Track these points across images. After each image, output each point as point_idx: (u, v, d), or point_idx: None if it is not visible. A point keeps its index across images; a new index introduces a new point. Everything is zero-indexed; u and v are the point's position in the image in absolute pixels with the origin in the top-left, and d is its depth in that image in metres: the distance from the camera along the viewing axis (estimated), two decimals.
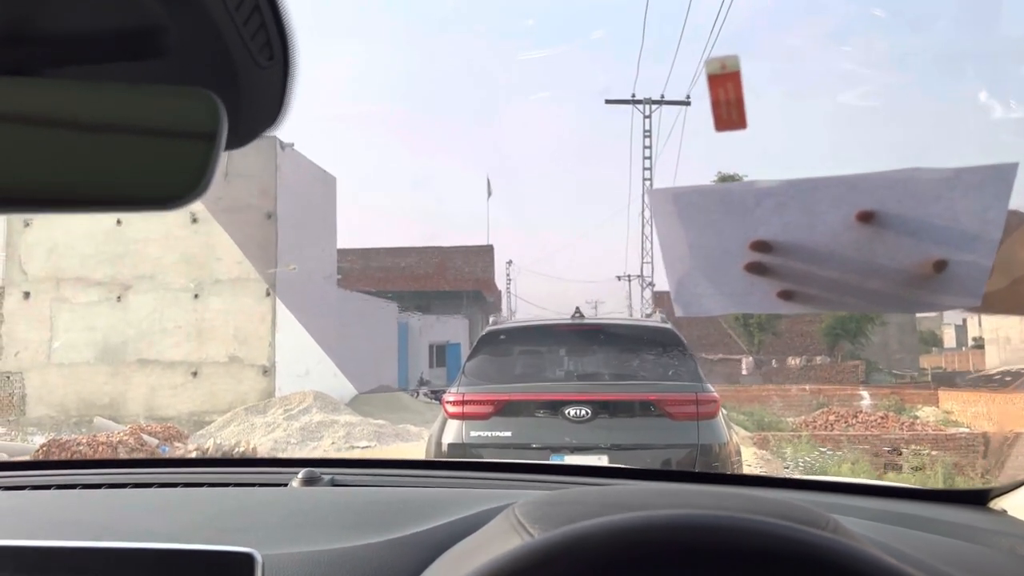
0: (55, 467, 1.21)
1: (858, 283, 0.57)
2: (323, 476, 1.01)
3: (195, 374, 13.58)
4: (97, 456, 8.71)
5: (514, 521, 0.61)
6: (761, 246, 0.57)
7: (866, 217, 0.55)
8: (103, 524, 0.82)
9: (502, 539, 0.59)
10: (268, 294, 13.71)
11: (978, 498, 0.96)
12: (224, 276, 13.79)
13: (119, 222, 13.90)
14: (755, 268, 0.58)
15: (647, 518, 0.43)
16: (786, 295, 0.59)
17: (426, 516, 0.78)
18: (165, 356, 13.65)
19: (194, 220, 13.84)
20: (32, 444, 10.09)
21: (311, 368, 14.12)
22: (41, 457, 8.40)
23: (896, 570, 0.40)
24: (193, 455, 8.82)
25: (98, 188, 0.43)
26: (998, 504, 0.93)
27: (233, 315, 13.70)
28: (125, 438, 9.84)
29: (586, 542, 0.43)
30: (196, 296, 13.79)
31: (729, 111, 0.55)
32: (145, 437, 10.07)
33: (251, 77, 0.46)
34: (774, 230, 0.56)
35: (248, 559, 0.59)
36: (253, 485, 1.03)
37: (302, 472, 1.01)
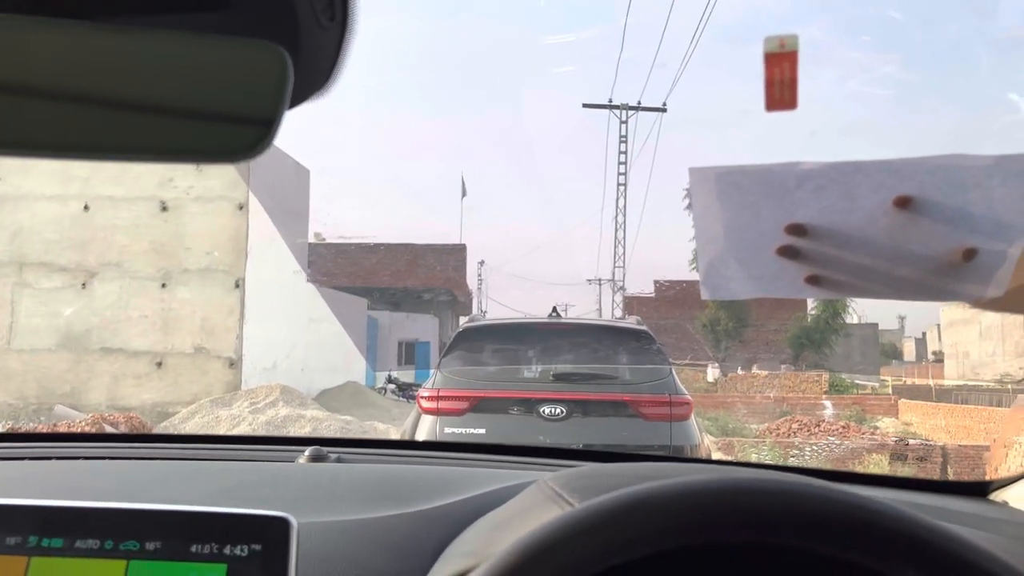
0: (48, 439, 1.19)
1: (887, 270, 0.58)
2: (329, 454, 1.01)
3: (160, 364, 13.34)
4: None
5: (550, 493, 0.61)
6: (796, 229, 0.58)
7: (903, 202, 0.55)
8: (119, 492, 0.81)
9: (540, 509, 0.60)
10: (237, 286, 13.53)
11: (979, 489, 0.99)
12: (193, 266, 13.57)
13: (86, 207, 13.62)
14: (787, 252, 0.58)
15: (709, 481, 0.43)
16: (814, 280, 0.60)
17: (443, 492, 0.78)
18: (130, 345, 13.39)
19: (164, 208, 13.61)
20: None
21: (278, 362, 13.95)
22: None
23: (968, 543, 0.41)
24: None
25: (164, 138, 0.43)
26: (999, 496, 0.96)
27: (201, 306, 13.48)
28: (86, 427, 9.64)
29: (647, 503, 0.43)
30: (163, 285, 13.55)
31: (782, 90, 0.55)
32: (107, 427, 9.88)
33: (312, 37, 0.46)
34: (811, 213, 0.57)
35: (283, 523, 0.59)
36: (259, 461, 1.02)
37: (308, 450, 1.01)
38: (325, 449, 1.02)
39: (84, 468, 0.95)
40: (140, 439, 1.37)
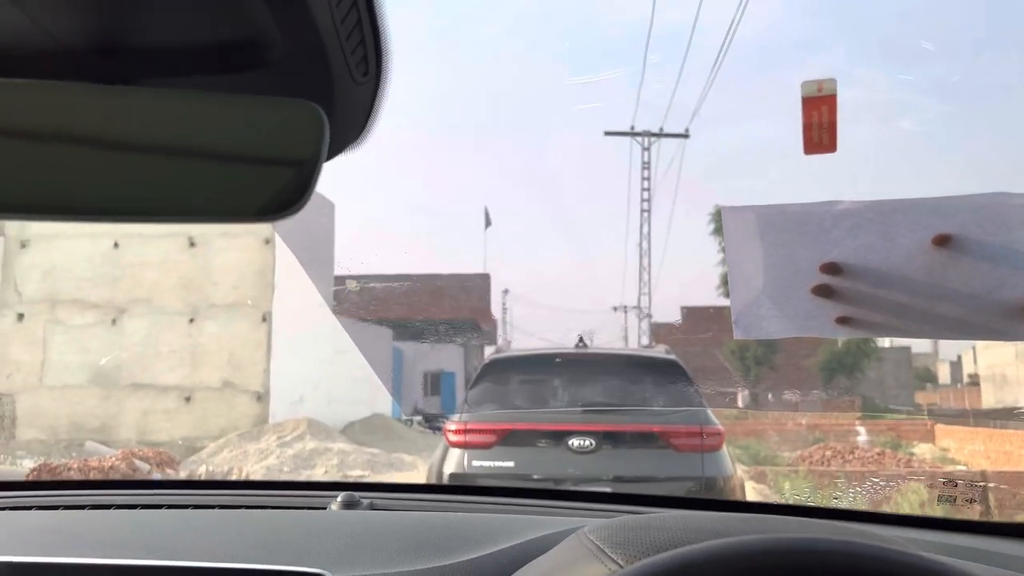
0: (79, 487, 1.19)
1: (925, 308, 0.57)
2: (362, 500, 1.00)
3: (188, 399, 13.46)
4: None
5: (591, 546, 0.59)
6: (832, 268, 0.57)
7: (942, 241, 0.54)
8: (157, 544, 0.80)
9: (581, 563, 0.58)
10: (264, 320, 13.66)
11: None
12: (220, 301, 13.74)
13: (116, 245, 13.89)
14: (822, 291, 0.58)
15: (765, 542, 0.41)
16: (844, 320, 0.59)
17: (481, 542, 0.76)
18: (159, 380, 13.54)
19: (192, 244, 13.84)
20: (22, 468, 9.95)
21: (305, 395, 14.01)
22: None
23: None
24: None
25: (203, 199, 0.43)
26: None
27: (228, 340, 13.63)
28: (117, 463, 9.70)
29: (696, 567, 0.41)
30: (191, 320, 13.73)
31: (821, 134, 0.54)
32: (137, 462, 9.94)
33: (347, 91, 0.46)
34: (847, 252, 0.56)
35: None
36: (290, 508, 1.01)
37: (341, 496, 0.99)
38: (357, 495, 1.01)
39: (119, 518, 0.93)
40: (169, 484, 1.37)
